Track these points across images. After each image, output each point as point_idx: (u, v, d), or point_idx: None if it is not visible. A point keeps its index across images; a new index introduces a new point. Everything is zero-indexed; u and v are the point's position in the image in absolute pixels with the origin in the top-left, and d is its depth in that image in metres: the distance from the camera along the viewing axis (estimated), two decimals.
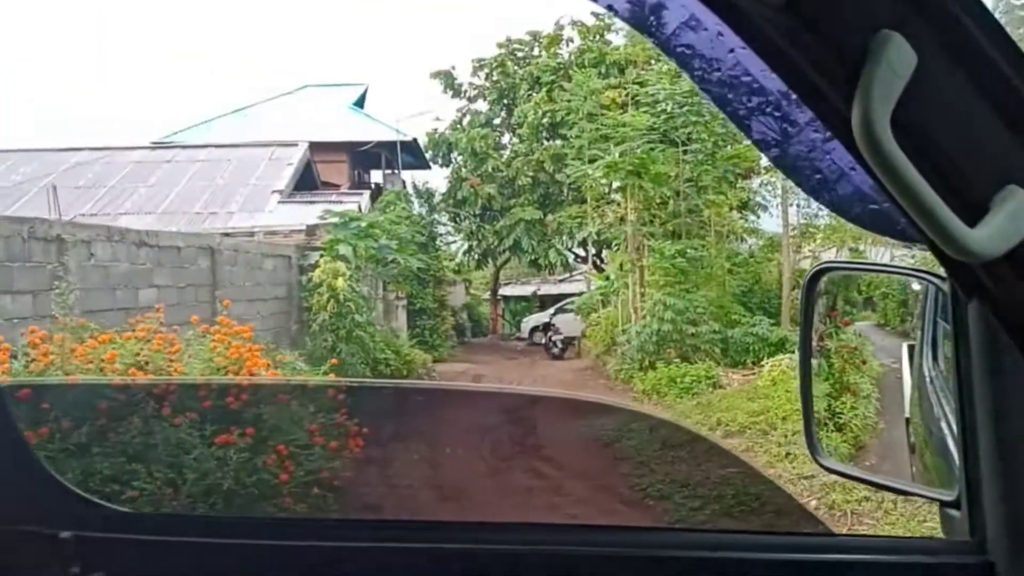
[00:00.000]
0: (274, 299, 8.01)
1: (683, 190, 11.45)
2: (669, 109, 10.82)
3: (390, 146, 18.82)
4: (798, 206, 11.96)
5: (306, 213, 12.69)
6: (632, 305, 11.07)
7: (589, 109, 14.27)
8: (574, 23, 21.38)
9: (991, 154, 0.55)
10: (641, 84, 12.49)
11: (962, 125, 0.55)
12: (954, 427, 1.28)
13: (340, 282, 7.74)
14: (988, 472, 0.75)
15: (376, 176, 19.85)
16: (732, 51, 0.62)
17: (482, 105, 21.91)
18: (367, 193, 14.67)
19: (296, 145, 15.46)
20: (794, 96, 0.60)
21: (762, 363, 8.86)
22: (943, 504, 0.89)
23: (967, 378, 0.75)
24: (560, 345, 15.59)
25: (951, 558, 0.81)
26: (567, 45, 21.27)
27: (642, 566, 0.86)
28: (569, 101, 17.18)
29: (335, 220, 9.11)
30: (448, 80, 22.02)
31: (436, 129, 21.16)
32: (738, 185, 11.79)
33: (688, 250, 10.91)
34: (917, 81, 0.51)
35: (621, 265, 11.33)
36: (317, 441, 3.79)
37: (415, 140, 18.46)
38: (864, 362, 7.50)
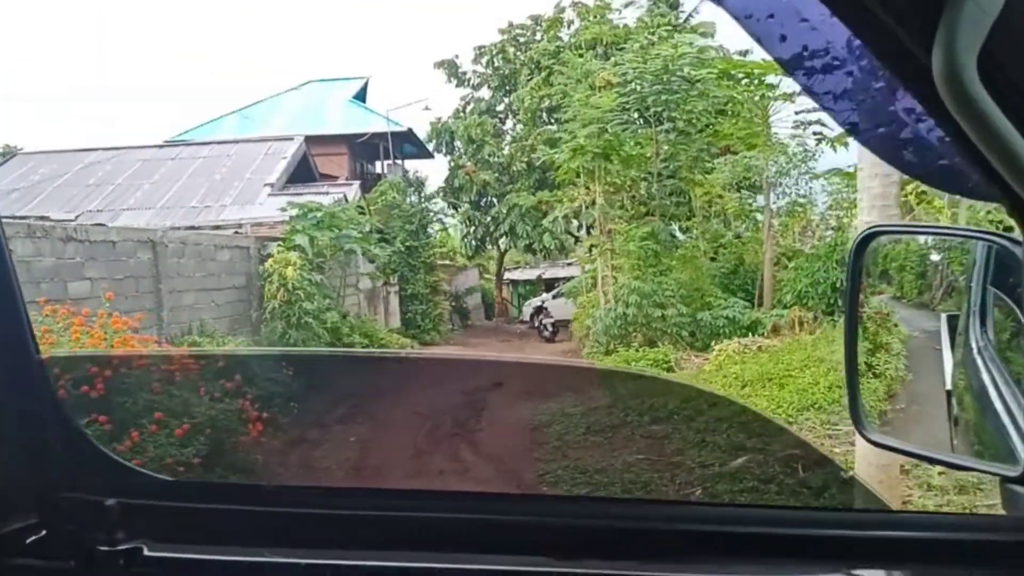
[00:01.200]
0: (231, 288, 8.38)
1: (659, 171, 11.28)
2: (639, 89, 10.64)
3: (389, 137, 19.11)
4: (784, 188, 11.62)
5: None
6: (602, 289, 11.03)
7: (582, 92, 14.15)
8: (575, 4, 21.18)
9: None
10: (615, 63, 12.30)
11: None
12: (1011, 399, 1.34)
13: (290, 271, 8.03)
14: None
15: (378, 168, 20.23)
16: None
17: (486, 92, 22.03)
18: (356, 184, 14.95)
19: (292, 139, 15.88)
20: (856, 42, 0.55)
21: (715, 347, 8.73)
22: (1005, 480, 0.85)
23: None
24: (551, 328, 15.66)
25: (1019, 536, 0.79)
26: (568, 27, 21.10)
27: (696, 541, 0.85)
28: (565, 85, 17.07)
29: (295, 212, 9.40)
30: (452, 69, 22.17)
31: (440, 118, 21.41)
32: (714, 163, 11.50)
33: (660, 232, 10.77)
34: (1005, 19, 0.45)
35: (591, 248, 11.28)
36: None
37: (410, 130, 18.69)
38: (896, 325, 8.38)
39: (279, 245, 8.79)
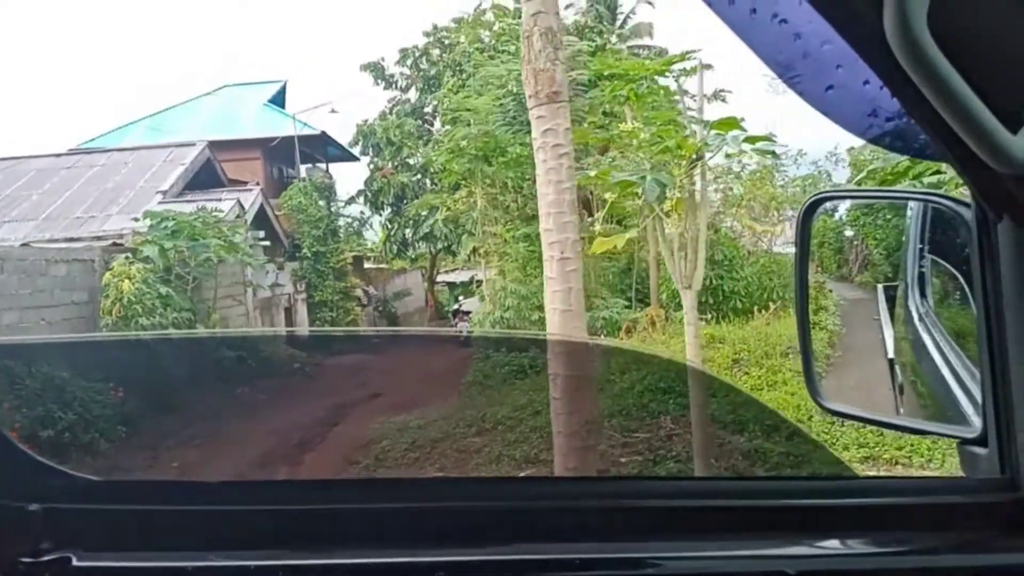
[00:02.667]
0: (69, 305, 8.05)
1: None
2: (514, 89, 10.55)
3: (309, 140, 18.78)
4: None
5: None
6: (486, 293, 10.94)
7: (492, 93, 14.03)
8: (495, 6, 21.12)
9: None
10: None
11: (998, 27, 0.51)
12: (957, 363, 1.32)
13: (126, 285, 7.72)
14: (1023, 404, 0.71)
15: (302, 172, 19.85)
16: None
17: (414, 94, 21.82)
18: (257, 189, 14.60)
19: (194, 145, 15.45)
20: (805, 4, 0.56)
21: None
22: (964, 442, 0.84)
23: (995, 305, 0.72)
24: (466, 333, 15.52)
25: (981, 497, 0.78)
26: (489, 30, 21.01)
27: (660, 516, 0.82)
28: (481, 87, 16.99)
29: (149, 221, 9.09)
30: (378, 71, 21.95)
31: (366, 120, 21.18)
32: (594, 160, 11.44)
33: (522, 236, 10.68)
34: None
35: (474, 251, 11.17)
36: None
37: (324, 133, 18.40)
38: (830, 291, 9.85)
39: (127, 256, 8.46)
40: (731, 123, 4.02)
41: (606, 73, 10.89)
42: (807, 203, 1.18)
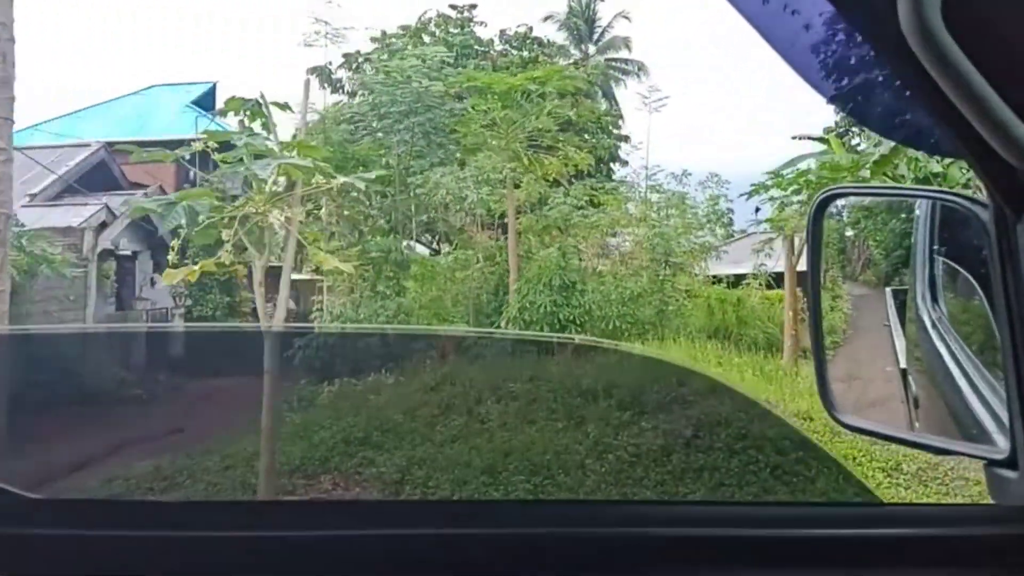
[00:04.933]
0: None
1: (406, 183, 10.51)
2: (371, 99, 9.94)
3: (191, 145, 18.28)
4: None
5: (59, 217, 12.25)
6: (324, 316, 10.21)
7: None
8: (439, 15, 20.77)
9: None
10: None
11: (1015, 19, 0.51)
12: (977, 376, 1.23)
13: None
14: None
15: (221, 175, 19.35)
16: None
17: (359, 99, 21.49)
18: (139, 194, 14.01)
19: (89, 146, 14.95)
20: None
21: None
22: (991, 463, 0.79)
23: (1018, 311, 0.69)
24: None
25: (1014, 528, 0.74)
26: (431, 38, 20.65)
27: (665, 544, 0.78)
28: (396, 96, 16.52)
29: None
30: (325, 75, 21.62)
31: (306, 124, 20.82)
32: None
33: (392, 251, 9.95)
34: None
35: (317, 269, 10.46)
36: None
37: None
38: (842, 285, 11.96)
39: None
40: (304, 147, 3.27)
41: (465, 85, 10.26)
42: (818, 200, 1.12)
